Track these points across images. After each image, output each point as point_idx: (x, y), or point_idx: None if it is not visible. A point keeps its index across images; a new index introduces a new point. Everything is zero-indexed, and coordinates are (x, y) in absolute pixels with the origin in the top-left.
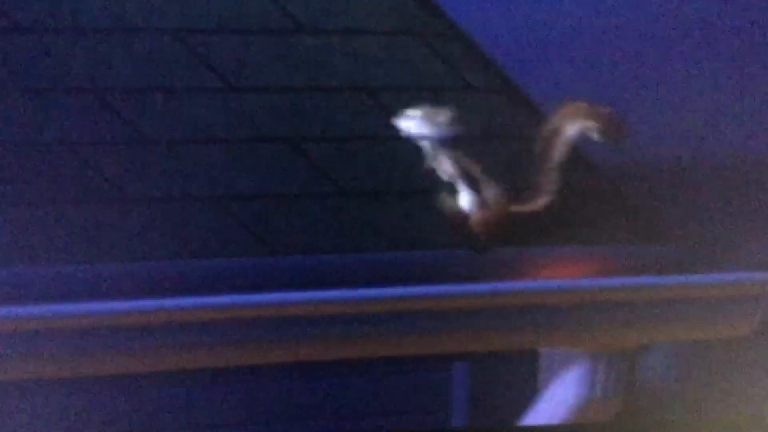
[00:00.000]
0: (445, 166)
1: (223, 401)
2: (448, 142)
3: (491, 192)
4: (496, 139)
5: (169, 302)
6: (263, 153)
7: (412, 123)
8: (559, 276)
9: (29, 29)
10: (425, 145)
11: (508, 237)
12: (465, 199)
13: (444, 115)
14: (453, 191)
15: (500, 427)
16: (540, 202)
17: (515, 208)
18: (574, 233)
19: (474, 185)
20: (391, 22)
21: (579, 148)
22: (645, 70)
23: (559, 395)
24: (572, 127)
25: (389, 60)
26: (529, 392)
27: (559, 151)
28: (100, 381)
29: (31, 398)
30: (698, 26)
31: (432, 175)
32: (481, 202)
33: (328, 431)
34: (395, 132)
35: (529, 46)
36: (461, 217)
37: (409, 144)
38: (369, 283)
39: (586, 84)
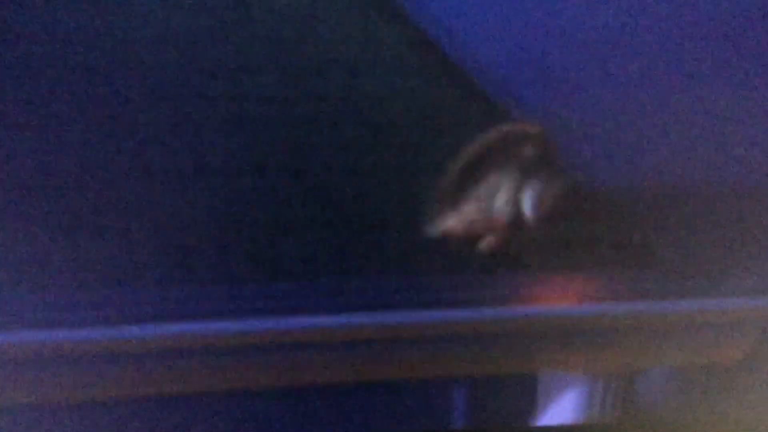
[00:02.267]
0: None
1: (217, 420)
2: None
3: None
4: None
5: (168, 328)
6: (263, 181)
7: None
8: (554, 302)
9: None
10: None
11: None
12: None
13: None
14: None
15: (500, 428)
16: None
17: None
18: (569, 258)
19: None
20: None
21: (574, 172)
22: (639, 91)
23: (556, 419)
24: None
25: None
26: (526, 416)
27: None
28: (101, 404)
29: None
30: (693, 42)
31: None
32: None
33: None
34: (396, 160)
35: (517, 64)
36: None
37: (409, 175)
38: (367, 309)
39: (574, 107)
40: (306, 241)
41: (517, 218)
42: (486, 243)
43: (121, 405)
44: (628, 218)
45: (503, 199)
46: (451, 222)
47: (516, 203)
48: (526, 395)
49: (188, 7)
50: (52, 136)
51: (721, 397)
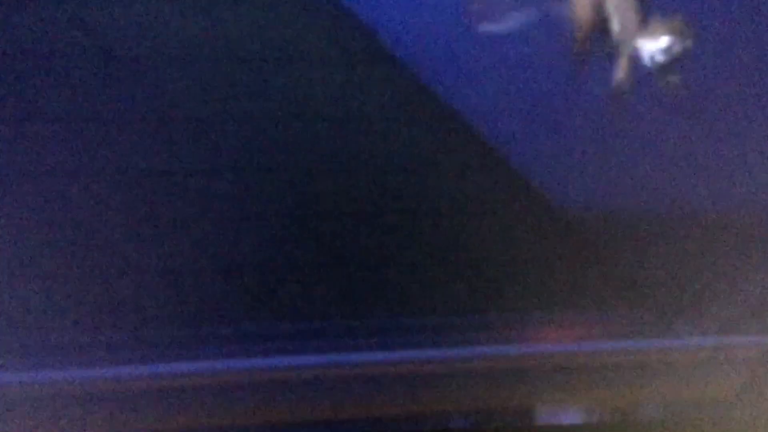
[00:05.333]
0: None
1: None
2: None
3: None
4: (489, 211)
5: (175, 367)
6: (267, 221)
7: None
8: (547, 340)
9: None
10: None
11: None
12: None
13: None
14: None
15: (500, 428)
16: None
17: None
18: (558, 299)
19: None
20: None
21: (561, 211)
22: (627, 122)
23: None
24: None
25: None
26: None
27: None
28: None
29: None
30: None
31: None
32: None
33: None
34: (395, 206)
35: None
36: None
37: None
38: (364, 348)
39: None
40: (310, 283)
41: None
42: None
43: None
44: (616, 254)
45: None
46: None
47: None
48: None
49: None
50: None
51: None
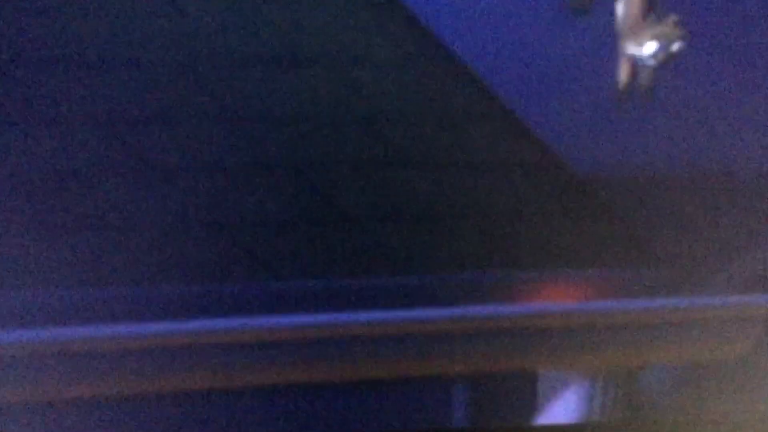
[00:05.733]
0: None
1: (222, 417)
2: None
3: None
4: (492, 164)
5: (170, 326)
6: (266, 179)
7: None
8: (554, 299)
9: (31, 61)
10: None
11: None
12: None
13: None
14: None
15: (500, 428)
16: None
17: None
18: (568, 256)
19: None
20: (390, 52)
21: (571, 169)
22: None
23: (558, 416)
24: None
25: (389, 88)
26: (527, 415)
27: None
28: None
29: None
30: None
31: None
32: None
33: None
34: (396, 158)
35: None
36: None
37: (410, 169)
38: (369, 307)
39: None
40: (309, 241)
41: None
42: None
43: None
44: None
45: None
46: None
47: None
48: (527, 395)
49: None
50: None
51: (723, 393)
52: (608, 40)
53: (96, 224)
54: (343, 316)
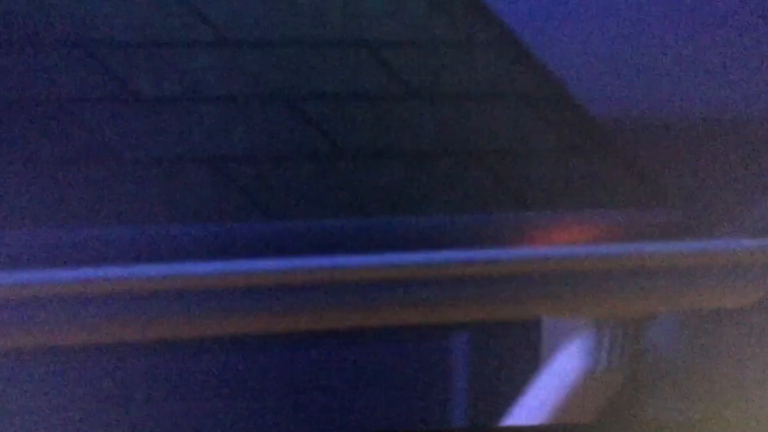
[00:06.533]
0: None
1: (211, 370)
2: None
3: None
4: (498, 97)
5: (160, 268)
6: (260, 113)
7: None
8: (561, 241)
9: None
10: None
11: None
12: None
13: None
14: None
15: (500, 427)
16: None
17: None
18: (577, 196)
19: None
20: None
21: (583, 109)
22: (653, 30)
23: (563, 366)
24: None
25: (388, 15)
26: (531, 363)
27: None
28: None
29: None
30: None
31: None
32: None
33: (324, 404)
34: (395, 90)
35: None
36: None
37: (410, 102)
38: (367, 249)
39: (592, 41)
40: (304, 179)
41: None
42: None
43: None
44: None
45: None
46: None
47: None
48: (531, 344)
49: None
50: None
51: (733, 342)
52: None
53: (78, 159)
54: (339, 260)
